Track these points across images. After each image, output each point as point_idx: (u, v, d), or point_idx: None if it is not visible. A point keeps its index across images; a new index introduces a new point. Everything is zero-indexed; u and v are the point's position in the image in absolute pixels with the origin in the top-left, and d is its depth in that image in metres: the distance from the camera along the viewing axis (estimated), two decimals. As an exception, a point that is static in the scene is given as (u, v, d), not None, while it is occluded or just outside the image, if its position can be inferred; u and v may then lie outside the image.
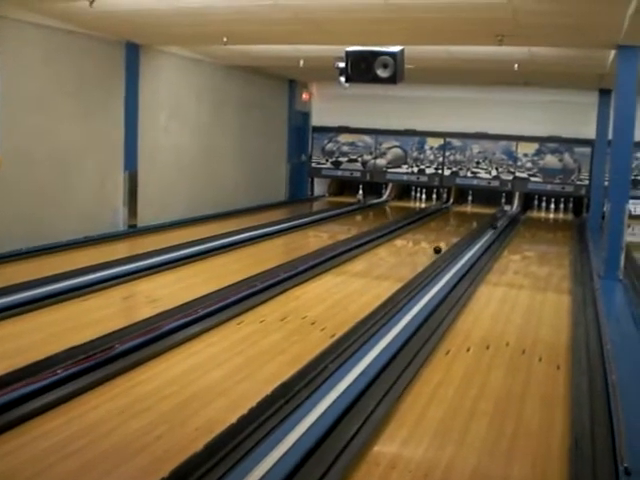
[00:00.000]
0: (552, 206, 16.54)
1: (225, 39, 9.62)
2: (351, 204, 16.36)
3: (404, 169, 17.07)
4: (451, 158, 16.71)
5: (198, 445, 3.51)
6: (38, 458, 3.44)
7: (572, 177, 15.83)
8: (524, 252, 11.71)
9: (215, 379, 4.66)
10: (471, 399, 4.42)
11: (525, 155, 16.16)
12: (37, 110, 9.08)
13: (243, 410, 3.96)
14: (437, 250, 10.07)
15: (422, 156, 16.91)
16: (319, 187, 18.10)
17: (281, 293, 7.14)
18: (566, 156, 15.84)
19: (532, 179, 16.14)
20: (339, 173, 17.58)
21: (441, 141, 16.74)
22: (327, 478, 3.27)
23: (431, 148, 16.84)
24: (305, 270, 8.19)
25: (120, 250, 9.55)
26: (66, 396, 4.13)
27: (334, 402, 4.15)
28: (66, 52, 9.47)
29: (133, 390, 4.38)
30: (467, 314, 6.64)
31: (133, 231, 10.79)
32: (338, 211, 15.02)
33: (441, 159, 16.79)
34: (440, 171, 16.82)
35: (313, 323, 6.06)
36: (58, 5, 8.25)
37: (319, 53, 10.78)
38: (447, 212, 16.24)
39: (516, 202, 16.53)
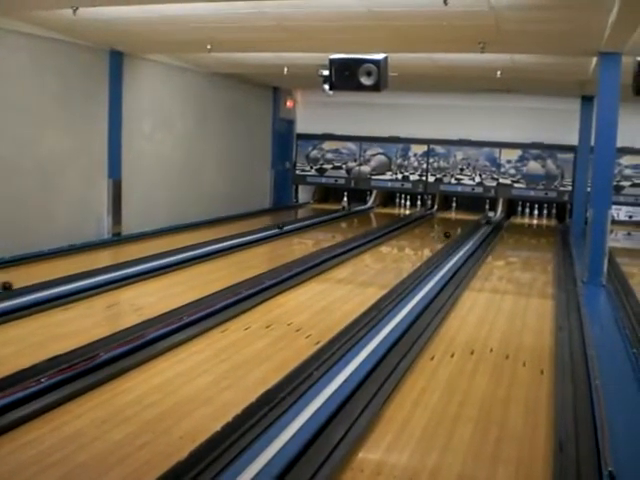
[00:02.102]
0: (536, 212, 16.63)
1: (209, 47, 9.63)
2: (336, 211, 16.37)
3: (388, 176, 17.12)
4: (435, 165, 16.78)
5: (182, 454, 3.50)
6: (20, 468, 3.42)
7: (555, 183, 15.92)
8: (508, 258, 11.75)
9: (200, 387, 4.64)
10: (455, 404, 4.43)
11: (508, 161, 16.24)
12: (21, 118, 9.04)
13: (228, 418, 3.95)
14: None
15: (406, 163, 16.97)
16: (304, 194, 18.13)
17: (266, 300, 7.13)
18: (549, 162, 15.92)
19: (515, 185, 16.23)
20: (323, 180, 17.60)
21: (425, 148, 16.80)
22: (312, 485, 3.28)
23: (415, 155, 16.90)
24: (290, 277, 8.18)
25: (104, 258, 9.52)
26: (49, 405, 4.11)
27: (319, 409, 4.14)
28: (50, 60, 9.45)
29: (116, 399, 4.36)
30: (451, 320, 6.66)
31: (117, 239, 10.76)
32: (323, 218, 15.02)
33: (425, 166, 16.84)
34: (424, 178, 16.88)
35: (298, 330, 6.06)
36: (42, 13, 8.23)
37: (303, 61, 10.80)
38: (431, 218, 16.28)
39: (500, 208, 16.60)
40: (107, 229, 10.82)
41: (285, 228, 11.50)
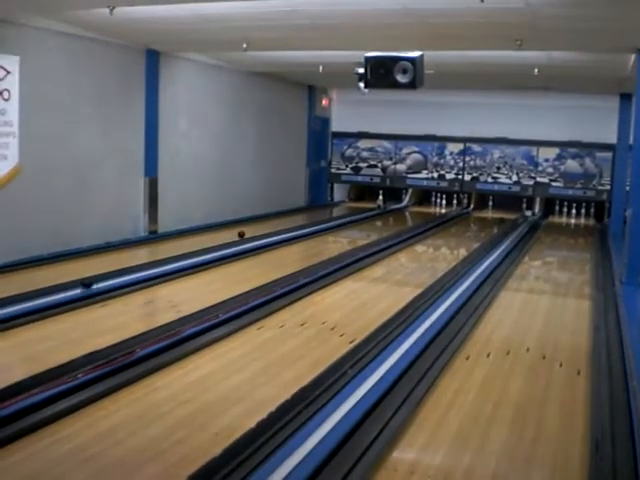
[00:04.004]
0: (573, 211, 16.46)
1: (245, 45, 9.65)
2: (371, 210, 16.35)
3: (424, 174, 17.04)
4: (471, 163, 16.67)
5: (217, 450, 3.52)
6: (57, 462, 3.46)
7: (593, 182, 15.73)
8: (545, 258, 11.64)
9: (235, 384, 4.66)
10: (491, 404, 4.40)
11: (546, 160, 16.08)
12: (58, 117, 9.15)
13: (262, 415, 3.96)
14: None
15: (442, 161, 16.88)
16: (339, 193, 18.12)
17: (301, 298, 7.14)
18: (587, 161, 15.74)
19: (553, 184, 16.07)
20: (359, 179, 17.58)
21: (461, 146, 16.70)
22: (346, 483, 3.28)
23: (451, 153, 16.81)
24: (325, 275, 8.19)
25: (141, 256, 9.60)
26: (86, 401, 4.16)
27: (353, 407, 4.14)
28: (87, 59, 9.54)
29: (152, 395, 4.39)
30: (487, 320, 6.61)
31: (154, 237, 10.83)
32: (358, 217, 15.01)
33: (461, 164, 16.74)
34: (460, 176, 16.78)
35: (333, 328, 6.06)
36: (79, 13, 8.32)
37: (338, 59, 10.78)
38: (467, 217, 16.19)
39: (537, 207, 16.46)
40: (143, 227, 10.91)
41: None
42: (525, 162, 16.25)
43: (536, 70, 10.78)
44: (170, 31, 9.26)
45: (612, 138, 14.48)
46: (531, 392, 4.70)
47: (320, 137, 17.30)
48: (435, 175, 16.96)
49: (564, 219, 16.34)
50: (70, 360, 4.74)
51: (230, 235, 10.84)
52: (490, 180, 16.55)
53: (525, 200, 16.66)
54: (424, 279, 8.44)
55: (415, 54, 8.78)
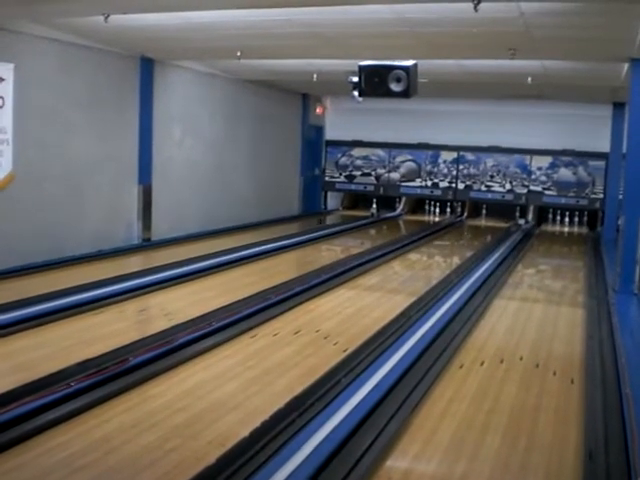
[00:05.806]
0: (566, 219, 16.49)
1: (239, 54, 9.67)
2: (365, 218, 16.35)
3: (418, 183, 17.06)
4: (465, 172, 16.69)
5: (210, 459, 3.51)
6: (50, 471, 3.45)
7: (586, 190, 15.77)
8: (538, 266, 11.66)
9: (228, 392, 4.66)
10: (485, 413, 4.40)
11: (539, 168, 16.12)
12: (52, 124, 9.14)
13: (256, 423, 3.95)
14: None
15: (436, 170, 16.90)
16: (332, 201, 18.12)
17: (295, 307, 7.13)
18: (580, 169, 15.78)
19: (546, 192, 16.10)
20: (353, 187, 17.58)
21: (455, 155, 16.72)
22: (340, 492, 3.27)
23: (445, 162, 16.83)
24: (318, 284, 8.19)
25: (134, 263, 9.59)
26: (79, 409, 4.14)
27: (347, 416, 4.13)
28: (81, 67, 9.54)
29: (146, 403, 4.38)
30: (481, 328, 6.62)
31: (147, 244, 10.82)
32: (352, 225, 15.01)
33: (455, 173, 16.77)
34: (454, 185, 16.80)
35: (326, 337, 6.05)
36: (73, 20, 8.32)
37: (333, 67, 10.81)
38: (461, 226, 16.21)
39: (530, 216, 16.49)
40: (137, 234, 10.89)
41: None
42: (518, 170, 16.29)
43: (529, 79, 10.82)
44: (164, 39, 9.26)
45: (605, 147, 14.54)
46: (525, 400, 4.70)
47: (314, 145, 17.31)
48: (429, 183, 16.98)
49: (557, 227, 16.38)
50: (63, 368, 4.73)
51: (223, 243, 10.85)
52: (483, 188, 16.58)
53: (518, 208, 16.69)
54: (418, 287, 8.44)
55: (409, 63, 8.83)
